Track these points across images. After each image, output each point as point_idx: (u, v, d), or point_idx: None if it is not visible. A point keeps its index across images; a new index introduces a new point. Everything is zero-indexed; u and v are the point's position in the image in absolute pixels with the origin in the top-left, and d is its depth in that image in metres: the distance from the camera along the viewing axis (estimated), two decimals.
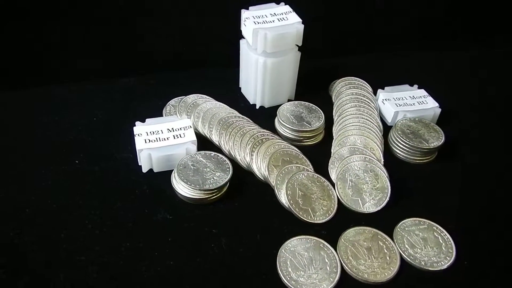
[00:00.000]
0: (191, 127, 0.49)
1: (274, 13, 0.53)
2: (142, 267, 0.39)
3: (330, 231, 0.43)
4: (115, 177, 0.47)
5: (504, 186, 0.49)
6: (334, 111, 0.56)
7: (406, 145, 0.51)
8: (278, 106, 0.55)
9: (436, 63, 0.69)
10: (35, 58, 0.61)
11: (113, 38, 0.62)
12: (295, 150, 0.49)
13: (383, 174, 0.47)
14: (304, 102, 0.56)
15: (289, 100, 0.58)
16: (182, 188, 0.44)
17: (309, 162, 0.48)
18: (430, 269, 0.40)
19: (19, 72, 0.61)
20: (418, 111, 0.55)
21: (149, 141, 0.47)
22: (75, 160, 0.48)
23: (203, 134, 0.52)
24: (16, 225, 0.42)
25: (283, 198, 0.44)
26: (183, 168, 0.45)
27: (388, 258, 0.41)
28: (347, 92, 0.58)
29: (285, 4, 0.55)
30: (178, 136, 0.48)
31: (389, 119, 0.56)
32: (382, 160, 0.49)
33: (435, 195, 0.48)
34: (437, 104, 0.56)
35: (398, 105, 0.55)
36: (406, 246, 0.42)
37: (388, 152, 0.52)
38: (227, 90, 0.60)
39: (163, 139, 0.48)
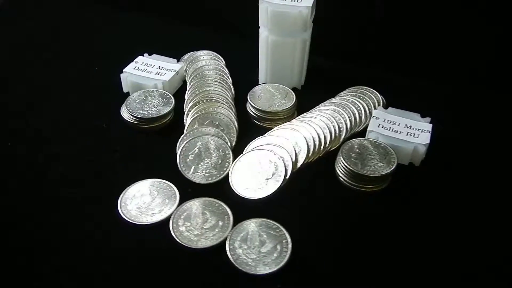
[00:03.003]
0: (176, 71, 0.56)
1: None
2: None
3: (197, 193, 0.44)
4: (106, 87, 0.58)
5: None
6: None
7: (341, 162, 0.45)
8: None
9: (477, 106, 0.58)
10: None
11: None
12: (231, 120, 0.50)
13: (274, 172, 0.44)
14: (286, 87, 0.55)
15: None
16: (123, 110, 0.52)
17: (235, 134, 0.49)
18: (237, 266, 0.38)
19: None
20: (396, 140, 0.47)
21: (137, 69, 0.56)
22: (93, 68, 0.62)
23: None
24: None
25: (179, 148, 0.47)
26: (137, 96, 0.53)
27: (211, 235, 0.40)
28: (344, 97, 0.53)
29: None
30: (160, 74, 0.56)
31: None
32: (291, 163, 0.45)
33: (322, 221, 0.43)
34: (426, 142, 0.46)
35: (380, 126, 0.49)
36: (238, 237, 0.40)
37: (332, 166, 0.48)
38: (252, 60, 0.62)
39: (149, 71, 0.56)
